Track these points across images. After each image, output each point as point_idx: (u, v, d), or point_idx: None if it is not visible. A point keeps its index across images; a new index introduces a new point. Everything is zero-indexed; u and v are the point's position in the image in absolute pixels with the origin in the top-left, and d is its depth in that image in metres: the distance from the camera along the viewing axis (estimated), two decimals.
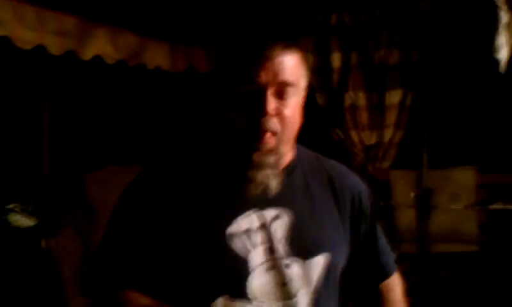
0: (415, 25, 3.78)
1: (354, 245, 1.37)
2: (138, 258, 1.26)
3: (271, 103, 1.19)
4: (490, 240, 3.83)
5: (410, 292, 3.77)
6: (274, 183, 1.24)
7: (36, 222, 3.41)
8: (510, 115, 3.80)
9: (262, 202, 1.24)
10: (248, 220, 1.23)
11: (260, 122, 1.19)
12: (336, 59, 3.88)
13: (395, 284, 1.49)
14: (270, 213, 1.25)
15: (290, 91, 1.22)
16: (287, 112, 1.22)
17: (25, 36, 2.77)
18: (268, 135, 1.20)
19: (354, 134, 3.92)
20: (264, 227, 1.23)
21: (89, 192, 3.61)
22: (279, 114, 1.20)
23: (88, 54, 3.19)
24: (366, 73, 3.88)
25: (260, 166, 1.21)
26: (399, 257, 3.85)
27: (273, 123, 1.20)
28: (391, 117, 3.88)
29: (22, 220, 3.38)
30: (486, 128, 3.93)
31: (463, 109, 3.97)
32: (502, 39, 2.65)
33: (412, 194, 3.89)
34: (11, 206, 3.40)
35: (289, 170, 1.29)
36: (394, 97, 3.86)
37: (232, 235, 1.21)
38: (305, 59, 1.28)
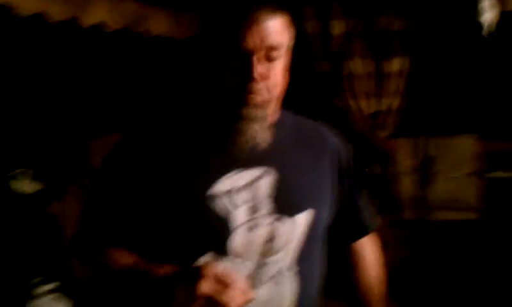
0: None
1: (337, 202, 1.40)
2: (122, 217, 1.28)
3: (258, 69, 1.19)
4: (490, 208, 3.84)
5: (409, 259, 3.83)
6: (264, 137, 1.25)
7: (41, 187, 3.46)
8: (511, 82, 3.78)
9: (246, 162, 1.26)
10: (231, 180, 1.24)
11: (246, 87, 1.20)
12: (337, 26, 3.86)
13: (372, 244, 1.53)
14: (253, 172, 1.26)
15: (277, 54, 1.22)
16: (274, 75, 1.23)
17: (25, 3, 2.77)
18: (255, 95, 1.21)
19: (355, 102, 3.92)
20: (248, 186, 1.25)
21: (95, 158, 3.65)
22: (266, 78, 1.21)
23: (89, 21, 3.19)
24: (367, 41, 3.85)
25: (249, 119, 1.22)
26: (399, 224, 3.90)
27: (260, 87, 1.21)
28: (392, 85, 3.87)
29: (26, 185, 3.43)
30: (487, 95, 3.91)
31: (464, 77, 3.95)
32: (484, 3, 2.61)
33: (412, 162, 3.90)
34: (16, 172, 3.45)
35: (274, 129, 1.30)
36: (395, 65, 3.85)
37: (214, 195, 1.23)
38: (291, 21, 1.28)
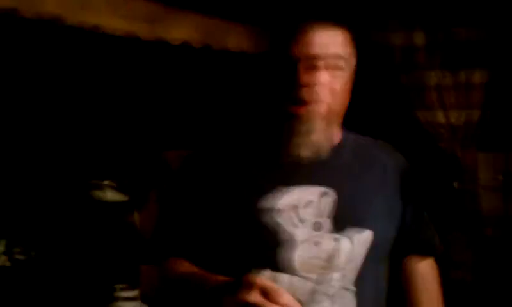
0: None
1: (399, 224, 1.40)
2: (187, 229, 1.32)
3: (304, 76, 1.22)
4: None
5: (492, 279, 3.70)
6: (306, 153, 1.27)
7: (124, 197, 3.59)
8: None
9: (307, 179, 1.28)
10: (295, 197, 1.27)
11: (292, 94, 1.23)
12: (420, 37, 3.79)
13: (432, 268, 1.50)
14: (318, 190, 1.28)
15: (337, 64, 1.25)
16: (335, 85, 1.25)
17: (116, 24, 2.89)
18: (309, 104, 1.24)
19: (440, 114, 3.82)
20: (312, 203, 1.27)
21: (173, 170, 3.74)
22: (313, 85, 1.23)
23: (175, 39, 3.29)
24: (452, 52, 3.75)
25: (292, 133, 1.25)
26: (481, 241, 3.79)
27: (306, 95, 1.23)
28: (479, 96, 3.76)
29: (110, 195, 3.57)
30: None
31: None
32: None
33: (500, 177, 3.77)
34: (100, 182, 3.59)
35: (335, 150, 1.32)
36: (482, 76, 3.73)
37: (279, 210, 1.25)
38: (352, 41, 1.30)
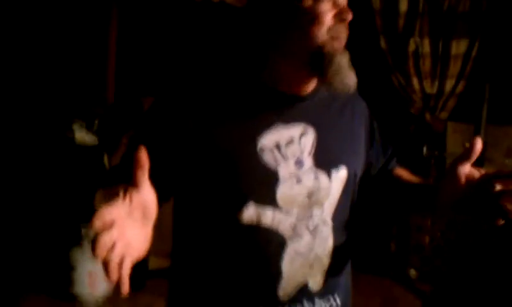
0: None
1: (368, 158, 1.46)
2: (159, 167, 1.16)
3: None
4: None
5: (452, 243, 3.75)
6: (352, 83, 1.24)
7: (97, 139, 3.58)
8: None
9: (287, 117, 1.28)
10: (277, 135, 1.27)
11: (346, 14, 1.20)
12: (403, 3, 3.80)
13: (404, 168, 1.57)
14: (297, 128, 1.29)
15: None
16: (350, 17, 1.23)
17: None
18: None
19: (415, 81, 3.87)
20: (294, 141, 1.28)
21: None
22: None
23: None
24: (433, 20, 3.78)
25: (339, 64, 1.22)
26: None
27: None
28: (455, 67, 3.80)
29: (86, 137, 3.55)
30: None
31: None
32: None
33: (467, 144, 3.82)
34: (77, 123, 3.56)
35: (314, 90, 1.32)
36: (460, 46, 3.77)
37: (263, 148, 1.25)
38: None
